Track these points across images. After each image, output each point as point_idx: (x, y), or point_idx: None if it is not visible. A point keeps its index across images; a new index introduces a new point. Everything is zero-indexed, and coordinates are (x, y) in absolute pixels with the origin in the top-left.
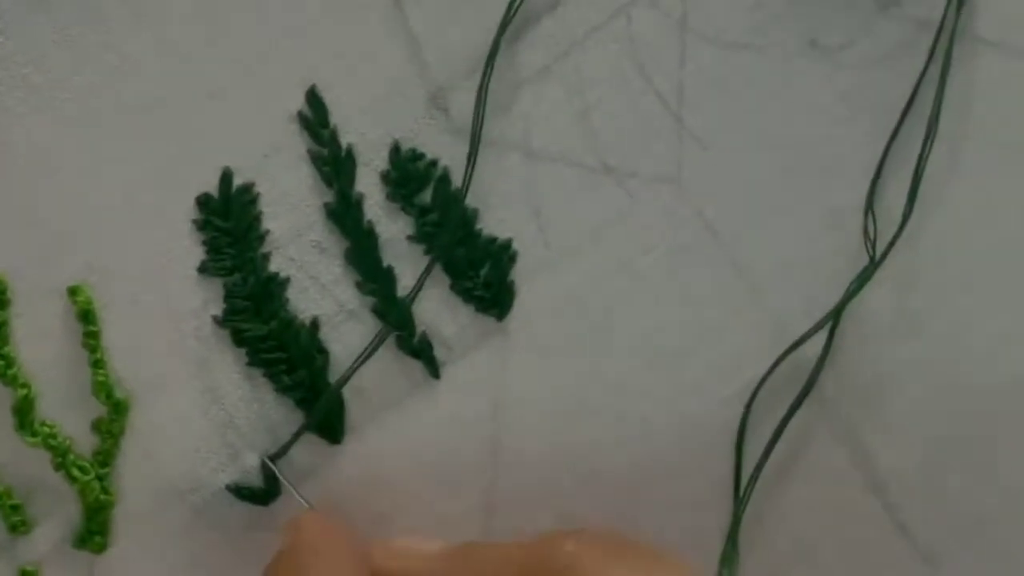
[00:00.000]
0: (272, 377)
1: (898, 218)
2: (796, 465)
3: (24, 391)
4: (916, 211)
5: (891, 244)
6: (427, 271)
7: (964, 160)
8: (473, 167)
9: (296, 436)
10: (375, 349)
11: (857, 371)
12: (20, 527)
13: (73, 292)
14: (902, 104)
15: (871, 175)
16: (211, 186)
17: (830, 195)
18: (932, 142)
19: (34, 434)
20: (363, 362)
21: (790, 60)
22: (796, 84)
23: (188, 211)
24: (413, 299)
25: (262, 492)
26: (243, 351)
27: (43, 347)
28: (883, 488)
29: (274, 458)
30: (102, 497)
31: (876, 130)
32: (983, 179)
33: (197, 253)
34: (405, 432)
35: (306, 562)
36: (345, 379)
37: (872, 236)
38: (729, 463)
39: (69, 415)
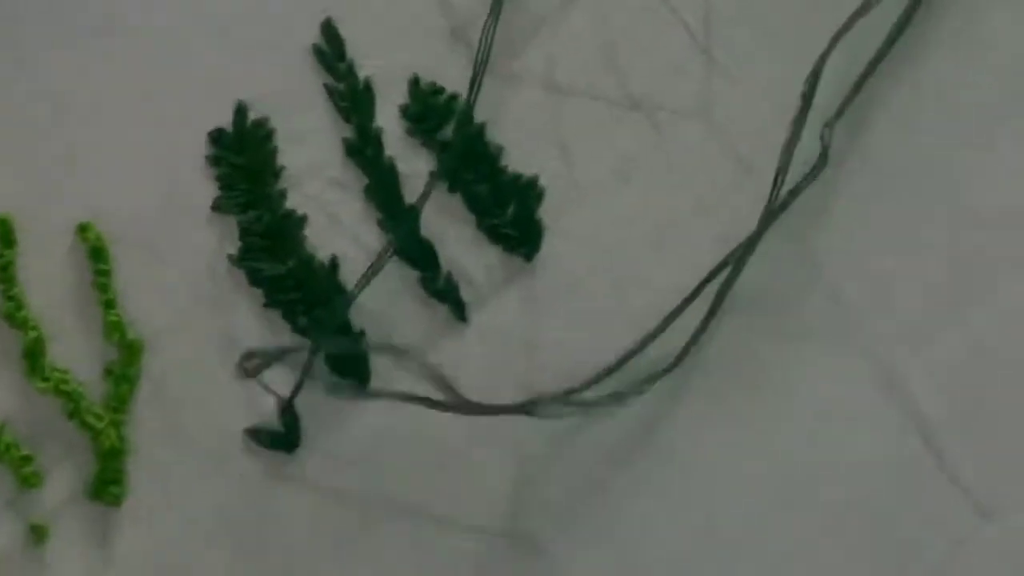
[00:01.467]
0: (290, 318)
1: None
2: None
3: (34, 334)
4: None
5: None
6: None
7: None
8: (478, 91)
9: (306, 371)
10: (380, 268)
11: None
12: (31, 480)
13: (83, 229)
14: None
15: None
16: (225, 121)
17: None
18: None
19: (45, 379)
20: (368, 280)
21: None
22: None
23: (201, 146)
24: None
25: (283, 437)
26: (259, 291)
27: (52, 288)
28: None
29: (291, 400)
30: (117, 445)
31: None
32: None
33: (211, 190)
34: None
35: None
36: (352, 297)
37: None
38: (768, 404)
39: (80, 360)
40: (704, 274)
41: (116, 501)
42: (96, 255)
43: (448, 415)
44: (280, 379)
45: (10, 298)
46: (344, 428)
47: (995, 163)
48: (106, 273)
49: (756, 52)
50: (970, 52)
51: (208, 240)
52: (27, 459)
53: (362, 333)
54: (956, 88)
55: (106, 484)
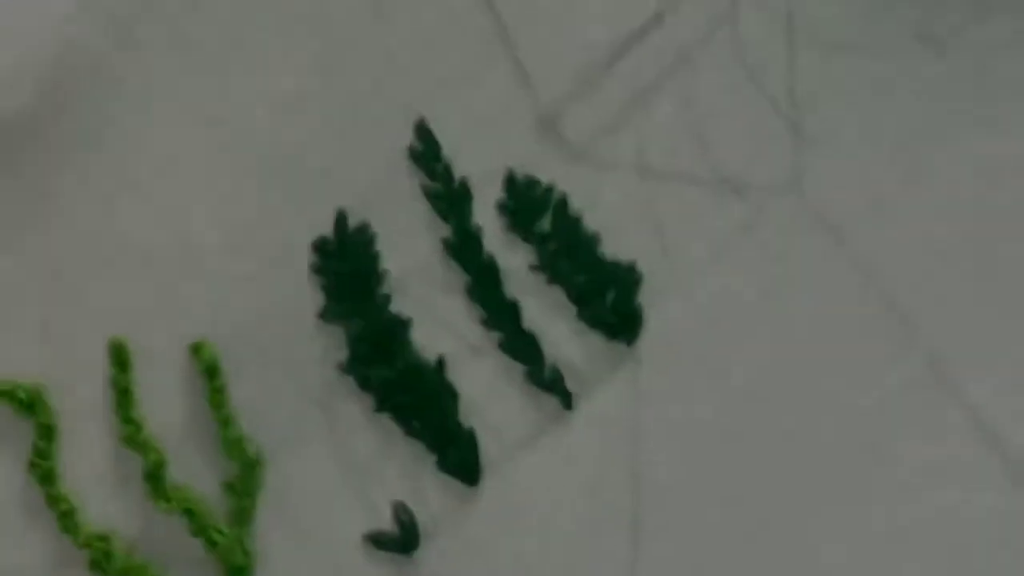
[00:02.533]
0: (401, 421)
1: None
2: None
3: (154, 456)
4: None
5: None
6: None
7: None
8: None
9: None
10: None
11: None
12: None
13: (196, 349)
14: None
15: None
16: (326, 228)
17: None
18: None
19: (168, 500)
20: None
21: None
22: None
23: (304, 256)
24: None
25: (401, 540)
26: (370, 397)
27: (168, 409)
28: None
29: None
30: (242, 560)
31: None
32: None
33: (316, 299)
34: (542, 469)
35: None
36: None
37: None
38: (875, 476)
39: (200, 479)
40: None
41: None
42: (210, 373)
43: (563, 504)
44: (395, 479)
45: (128, 422)
46: (458, 525)
47: None
48: (221, 390)
49: (841, 120)
50: None
51: (316, 349)
52: None
53: (471, 430)
54: None
55: None
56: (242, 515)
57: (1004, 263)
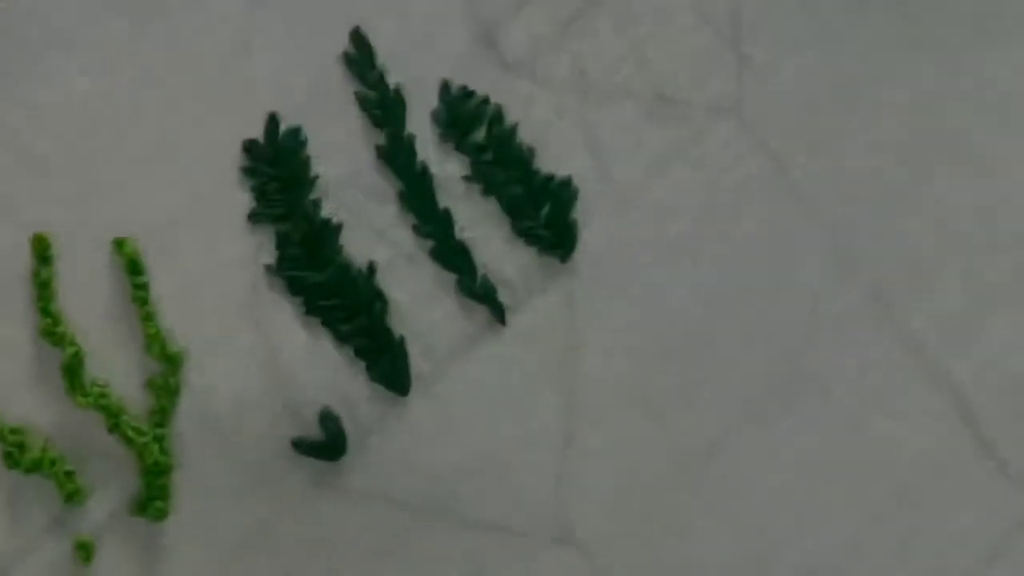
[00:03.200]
0: (330, 326)
1: None
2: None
3: (73, 349)
4: None
5: None
6: None
7: None
8: None
9: None
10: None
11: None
12: (75, 496)
13: (119, 244)
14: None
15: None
16: (257, 132)
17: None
18: None
19: (85, 395)
20: None
21: None
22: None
23: (235, 158)
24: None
25: (327, 446)
26: (299, 300)
27: (89, 304)
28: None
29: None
30: (161, 459)
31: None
32: None
33: (246, 201)
34: (473, 381)
35: None
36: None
37: None
38: (810, 404)
39: (120, 375)
40: (737, 272)
41: (161, 516)
42: (133, 269)
43: (492, 421)
44: (322, 385)
45: (48, 314)
46: (386, 435)
47: None
48: (144, 287)
49: (785, 51)
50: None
51: (245, 250)
52: (71, 475)
53: (402, 338)
54: None
55: (151, 499)
56: (161, 414)
57: (941, 196)
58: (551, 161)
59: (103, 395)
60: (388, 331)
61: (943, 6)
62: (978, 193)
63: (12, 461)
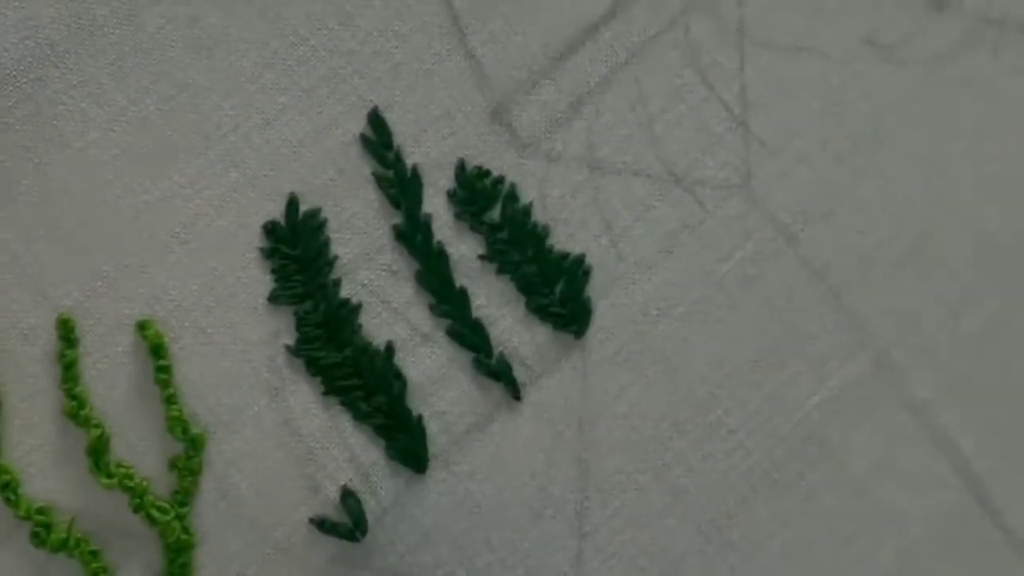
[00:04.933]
0: (349, 405)
1: None
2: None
3: (97, 431)
4: None
5: None
6: None
7: None
8: None
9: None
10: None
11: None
12: (100, 574)
13: (142, 327)
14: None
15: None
16: (277, 214)
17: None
18: None
19: (110, 476)
20: None
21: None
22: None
23: (255, 240)
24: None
25: (347, 526)
26: (318, 380)
27: (113, 385)
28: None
29: (352, 489)
30: (183, 537)
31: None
32: None
33: (266, 282)
34: (489, 458)
35: None
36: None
37: None
38: (821, 471)
39: (143, 455)
40: (752, 346)
41: None
42: (156, 352)
43: (511, 491)
44: (342, 463)
45: (73, 397)
46: (405, 512)
47: None
48: (166, 369)
49: (792, 124)
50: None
51: (265, 331)
52: (96, 554)
53: (419, 417)
54: None
55: None
56: (184, 494)
57: (951, 263)
58: (564, 239)
59: (128, 476)
60: (406, 410)
61: (939, 74)
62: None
63: (39, 540)
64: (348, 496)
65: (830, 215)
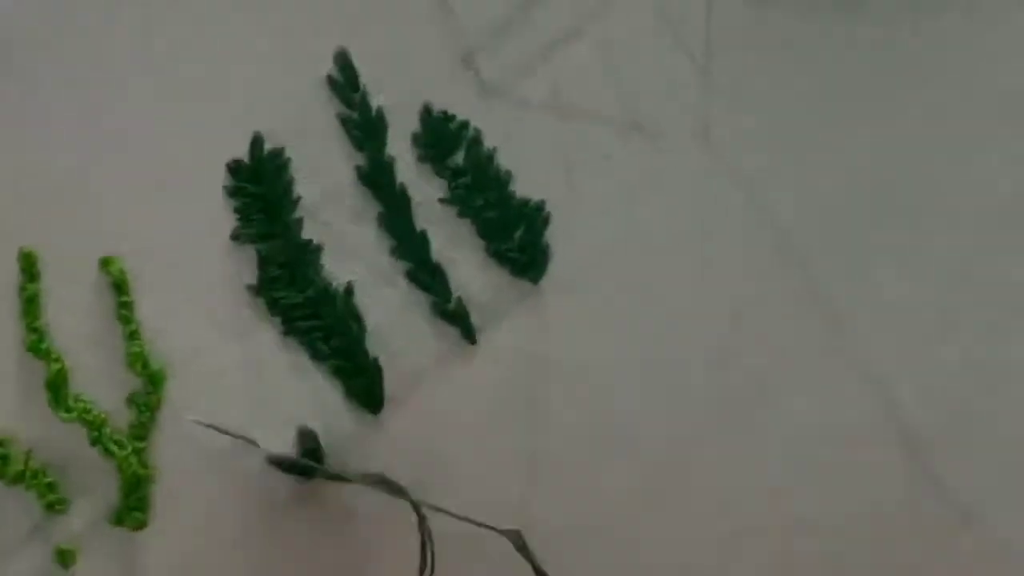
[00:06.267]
0: (309, 345)
1: None
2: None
3: (57, 365)
4: None
5: None
6: None
7: None
8: None
9: None
10: None
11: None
12: (56, 506)
13: (105, 263)
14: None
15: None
16: (241, 152)
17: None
18: None
19: (68, 409)
20: None
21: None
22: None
23: (219, 178)
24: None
25: (304, 465)
26: (278, 320)
27: (74, 321)
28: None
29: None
30: (140, 472)
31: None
32: None
33: (229, 220)
34: (444, 399)
35: None
36: None
37: None
38: (762, 433)
39: (103, 390)
40: (707, 296)
41: (140, 526)
42: (118, 288)
43: (463, 434)
44: (300, 402)
45: (34, 330)
46: (361, 449)
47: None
48: (128, 305)
49: (755, 76)
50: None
51: (228, 270)
52: (53, 486)
53: (376, 359)
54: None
55: (131, 510)
56: (142, 428)
57: (909, 219)
58: (526, 184)
59: (86, 409)
60: (364, 351)
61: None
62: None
63: None
64: (305, 435)
65: (786, 168)
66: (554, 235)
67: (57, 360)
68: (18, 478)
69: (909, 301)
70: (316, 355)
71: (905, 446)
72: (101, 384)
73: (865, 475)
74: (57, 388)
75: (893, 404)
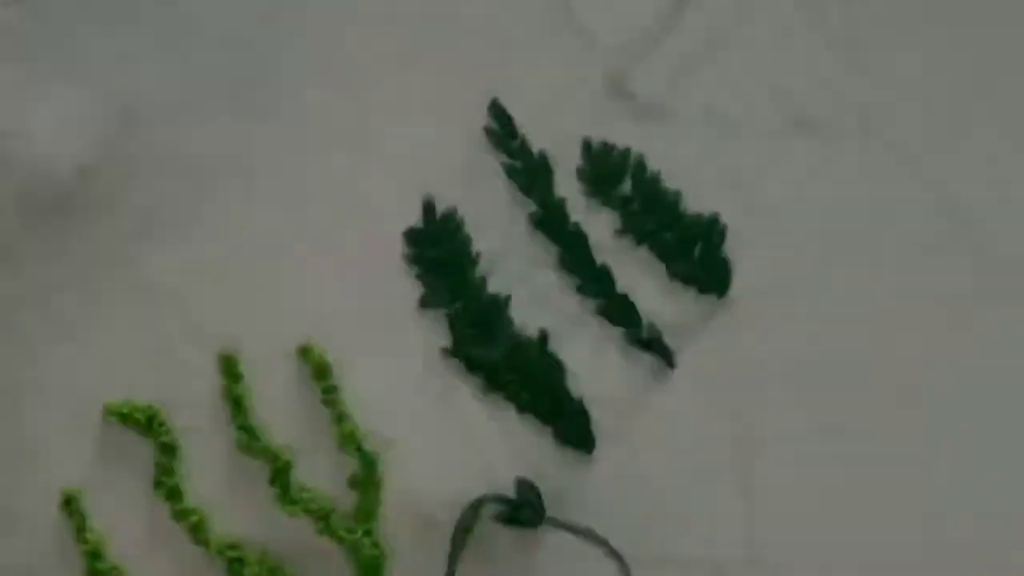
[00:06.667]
0: (512, 398)
1: None
2: None
3: (278, 461)
4: None
5: None
6: None
7: None
8: None
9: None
10: None
11: None
12: None
13: (304, 352)
14: None
15: None
16: (413, 217)
17: None
18: None
19: (293, 503)
20: None
21: None
22: None
23: (396, 246)
24: None
25: (526, 516)
26: (479, 378)
27: (284, 414)
28: None
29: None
30: (373, 552)
31: None
32: None
33: (414, 288)
34: (652, 429)
35: None
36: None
37: None
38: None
39: (320, 477)
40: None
41: None
42: (320, 374)
43: (676, 460)
44: (513, 455)
45: (245, 430)
46: (577, 490)
47: None
48: (333, 389)
49: (904, 56)
50: None
51: (420, 337)
52: None
53: (581, 400)
54: None
55: None
56: (368, 510)
57: None
58: (696, 201)
59: (311, 500)
60: (567, 394)
61: None
62: None
63: (236, 575)
64: (526, 488)
65: (948, 143)
66: (733, 247)
67: (278, 456)
68: None
69: None
70: (521, 406)
71: None
72: (320, 473)
73: None
74: (282, 483)
75: None
